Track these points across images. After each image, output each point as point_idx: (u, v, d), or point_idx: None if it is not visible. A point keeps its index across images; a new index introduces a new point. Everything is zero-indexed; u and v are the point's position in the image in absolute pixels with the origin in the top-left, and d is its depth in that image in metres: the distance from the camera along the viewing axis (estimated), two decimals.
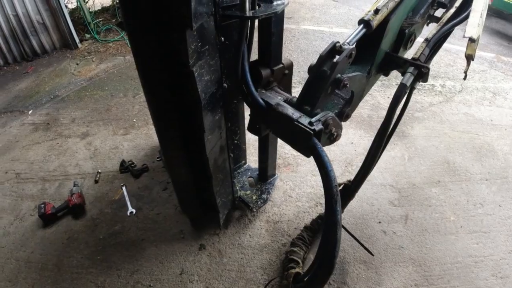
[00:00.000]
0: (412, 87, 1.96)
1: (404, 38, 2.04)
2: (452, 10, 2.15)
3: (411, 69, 1.91)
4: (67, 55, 6.91)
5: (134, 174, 3.48)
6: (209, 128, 1.91)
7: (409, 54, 2.04)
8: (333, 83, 1.69)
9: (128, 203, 3.16)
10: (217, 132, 2.07)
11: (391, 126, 1.98)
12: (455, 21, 2.08)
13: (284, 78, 2.27)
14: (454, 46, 6.49)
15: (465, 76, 2.52)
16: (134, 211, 3.09)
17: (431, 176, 3.33)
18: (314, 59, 1.72)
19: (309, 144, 1.69)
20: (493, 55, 6.55)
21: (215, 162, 2.14)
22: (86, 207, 3.21)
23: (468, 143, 3.83)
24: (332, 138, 1.83)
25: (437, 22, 2.19)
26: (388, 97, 4.45)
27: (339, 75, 1.68)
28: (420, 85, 4.84)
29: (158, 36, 1.63)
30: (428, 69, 1.92)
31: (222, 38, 1.82)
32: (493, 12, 8.48)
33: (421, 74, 1.93)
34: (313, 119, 1.68)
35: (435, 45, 2.09)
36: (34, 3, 6.65)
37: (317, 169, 1.68)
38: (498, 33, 7.88)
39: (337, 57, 1.63)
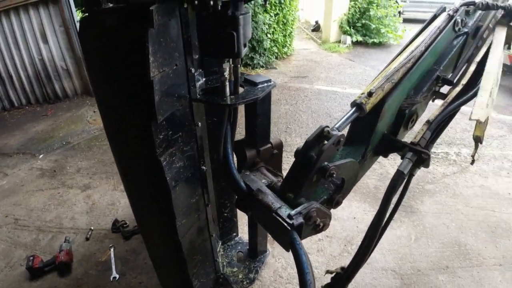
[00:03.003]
0: (410, 174, 1.80)
1: (404, 119, 1.91)
2: (459, 88, 2.02)
3: (409, 154, 1.77)
4: (86, 101, 7.12)
5: (125, 235, 3.38)
6: (182, 213, 1.80)
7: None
8: (319, 171, 1.56)
9: (113, 267, 3.04)
10: (194, 214, 1.95)
11: (386, 217, 1.81)
12: (461, 101, 1.95)
13: (273, 158, 2.16)
14: (471, 108, 6.28)
15: (473, 161, 2.33)
16: (117, 276, 2.96)
17: (439, 261, 3.04)
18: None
19: (287, 239, 1.54)
20: None
21: (191, 244, 2.00)
22: (73, 265, 3.13)
23: (482, 221, 3.54)
24: (317, 228, 1.68)
25: (443, 99, 2.05)
26: (393, 168, 4.23)
27: (325, 163, 1.55)
28: (433, 153, 4.63)
29: (127, 121, 1.57)
30: (429, 155, 1.77)
31: (199, 123, 1.74)
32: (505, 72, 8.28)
33: (421, 160, 1.78)
34: (293, 212, 1.54)
35: (437, 127, 1.95)
36: (60, 49, 6.97)
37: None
38: None
39: (325, 142, 1.52)
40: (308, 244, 3.08)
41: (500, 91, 7.65)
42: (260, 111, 1.92)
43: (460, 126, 5.53)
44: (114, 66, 1.49)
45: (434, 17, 2.18)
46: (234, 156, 2.00)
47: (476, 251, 3.19)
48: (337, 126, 1.60)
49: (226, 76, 1.67)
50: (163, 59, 1.38)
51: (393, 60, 1.99)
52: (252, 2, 7.37)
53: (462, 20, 2.08)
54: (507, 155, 4.87)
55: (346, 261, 2.13)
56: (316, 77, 7.79)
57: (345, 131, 1.63)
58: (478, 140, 2.25)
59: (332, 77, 7.83)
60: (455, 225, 3.43)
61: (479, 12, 2.17)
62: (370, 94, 1.67)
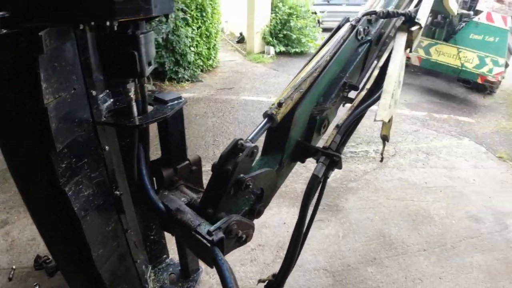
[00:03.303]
0: (325, 177, 1.89)
1: (316, 125, 1.99)
2: (364, 92, 2.14)
3: (322, 158, 1.84)
4: None
5: (49, 271, 3.13)
6: (97, 243, 1.71)
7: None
8: (235, 184, 1.57)
9: None
10: (112, 242, 1.86)
11: (307, 222, 1.88)
12: (366, 104, 2.05)
13: (192, 175, 2.14)
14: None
15: (382, 158, 2.50)
16: None
17: (367, 254, 3.22)
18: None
19: (209, 255, 1.53)
20: (425, 113, 6.88)
21: (113, 274, 1.91)
22: None
23: (403, 211, 3.81)
24: (241, 240, 1.68)
25: (351, 103, 2.17)
26: None
27: (241, 175, 1.56)
28: (354, 152, 4.90)
29: (25, 152, 1.47)
30: (340, 157, 1.86)
31: (106, 147, 1.67)
32: (423, 72, 9.09)
33: (334, 162, 1.86)
34: (212, 228, 1.53)
35: (347, 130, 2.05)
36: None
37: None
38: (429, 91, 8.39)
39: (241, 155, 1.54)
40: (242, 255, 3.09)
41: (412, 90, 8.35)
42: (172, 129, 1.90)
43: (377, 125, 5.89)
44: (7, 95, 1.39)
45: (339, 27, 2.29)
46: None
47: (400, 240, 3.42)
48: (250, 138, 1.62)
49: (132, 96, 1.62)
50: (58, 84, 1.31)
51: (301, 70, 2.08)
52: (173, 15, 7.31)
53: (364, 29, 2.22)
54: (421, 148, 5.32)
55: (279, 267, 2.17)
56: (242, 88, 7.91)
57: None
58: (385, 138, 2.43)
59: (257, 87, 8.02)
60: (379, 218, 3.65)
61: (382, 20, 2.33)
62: (280, 105, 1.72)
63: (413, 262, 3.18)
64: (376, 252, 3.24)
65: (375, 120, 1.83)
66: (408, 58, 7.85)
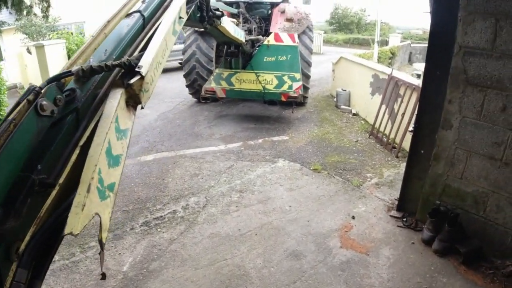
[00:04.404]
0: None
1: None
2: (54, 192, 1.48)
3: None
4: None
5: None
6: None
7: None
8: None
9: None
10: None
11: None
12: (59, 211, 1.43)
13: None
14: (200, 149, 6.46)
15: (103, 276, 1.83)
16: None
17: None
18: None
19: None
20: (240, 144, 6.77)
21: None
22: None
23: (214, 279, 3.32)
24: None
25: None
26: (120, 253, 3.65)
27: None
28: (159, 218, 4.32)
29: None
30: None
31: None
32: (240, 99, 9.21)
33: None
34: None
35: (41, 256, 1.39)
36: None
37: None
38: (245, 117, 8.47)
39: None
40: None
41: (228, 121, 8.10)
42: None
43: (190, 172, 5.50)
44: None
45: (17, 104, 1.58)
46: None
47: None
48: None
49: None
50: None
51: None
52: None
53: (57, 98, 1.54)
54: (235, 186, 5.04)
55: None
56: None
57: None
58: (100, 244, 1.76)
59: None
60: None
61: (95, 77, 1.72)
62: None
63: None
64: None
65: (63, 235, 1.25)
66: (213, 92, 7.77)
